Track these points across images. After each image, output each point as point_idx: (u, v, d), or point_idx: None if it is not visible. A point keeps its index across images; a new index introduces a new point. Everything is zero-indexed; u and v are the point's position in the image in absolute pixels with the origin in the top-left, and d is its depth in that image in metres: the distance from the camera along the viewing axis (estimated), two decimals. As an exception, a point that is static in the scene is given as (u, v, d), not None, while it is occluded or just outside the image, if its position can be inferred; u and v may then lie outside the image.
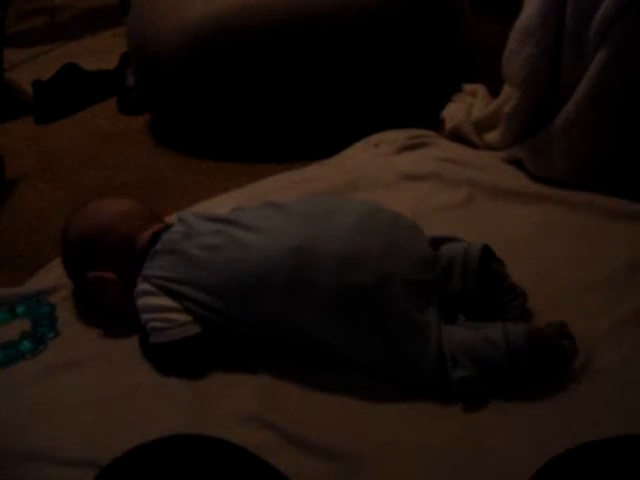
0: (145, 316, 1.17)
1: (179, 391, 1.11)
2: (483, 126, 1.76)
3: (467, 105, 1.86)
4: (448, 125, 1.84)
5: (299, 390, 1.09)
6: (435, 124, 1.88)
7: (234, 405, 1.07)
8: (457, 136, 1.80)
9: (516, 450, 0.95)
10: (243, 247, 1.14)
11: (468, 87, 1.93)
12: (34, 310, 1.33)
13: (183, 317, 1.15)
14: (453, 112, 1.86)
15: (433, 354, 1.04)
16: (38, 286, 1.41)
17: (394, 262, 1.09)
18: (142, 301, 1.18)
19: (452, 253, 1.17)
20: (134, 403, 1.10)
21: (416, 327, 1.06)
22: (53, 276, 1.41)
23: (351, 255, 1.09)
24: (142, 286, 1.19)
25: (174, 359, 1.16)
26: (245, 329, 1.14)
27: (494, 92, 1.81)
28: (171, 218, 1.41)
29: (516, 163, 1.63)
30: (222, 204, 1.48)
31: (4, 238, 1.73)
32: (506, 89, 1.68)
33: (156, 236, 1.25)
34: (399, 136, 1.81)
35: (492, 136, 1.73)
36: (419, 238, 1.18)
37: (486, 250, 1.17)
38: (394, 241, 1.13)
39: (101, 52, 3.17)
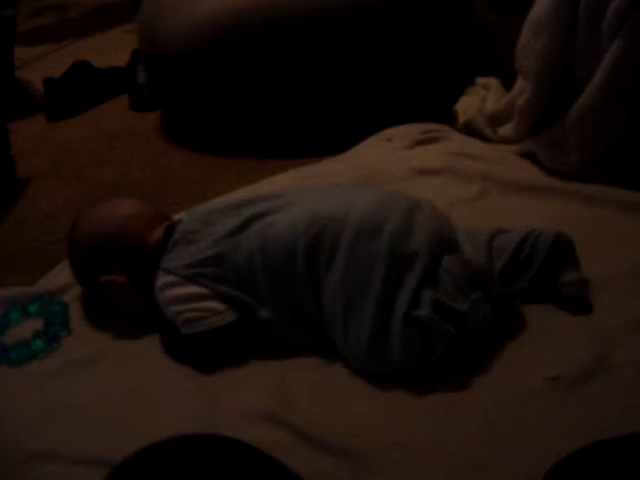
0: (175, 308, 1.16)
1: (192, 389, 1.11)
2: (496, 120, 1.75)
3: (480, 99, 1.84)
4: (461, 119, 1.83)
5: (313, 389, 1.08)
6: (448, 118, 1.87)
7: (247, 403, 1.06)
8: (470, 130, 1.79)
9: (527, 449, 0.94)
10: (266, 222, 1.16)
11: (481, 80, 1.92)
12: (47, 309, 1.33)
13: (218, 304, 1.15)
14: (466, 106, 1.85)
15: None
16: (50, 285, 1.41)
17: (409, 237, 1.11)
18: (167, 293, 1.17)
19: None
20: (146, 401, 1.10)
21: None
22: (65, 275, 1.41)
23: (368, 225, 1.11)
24: (164, 279, 1.19)
25: (212, 348, 1.15)
26: (267, 312, 1.15)
27: (507, 85, 1.80)
28: (180, 216, 1.41)
29: (530, 157, 1.62)
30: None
31: (16, 237, 1.73)
32: (519, 82, 1.66)
33: (169, 231, 1.24)
34: (412, 131, 1.80)
35: (505, 130, 1.72)
36: (440, 221, 1.19)
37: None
38: (412, 219, 1.14)
39: (112, 49, 3.17)
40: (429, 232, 1.13)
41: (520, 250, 1.17)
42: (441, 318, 1.04)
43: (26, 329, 1.29)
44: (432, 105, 1.90)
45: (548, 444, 0.93)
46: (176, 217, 1.36)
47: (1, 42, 2.57)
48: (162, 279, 1.19)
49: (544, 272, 1.16)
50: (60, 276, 1.43)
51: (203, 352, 1.16)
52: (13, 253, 1.66)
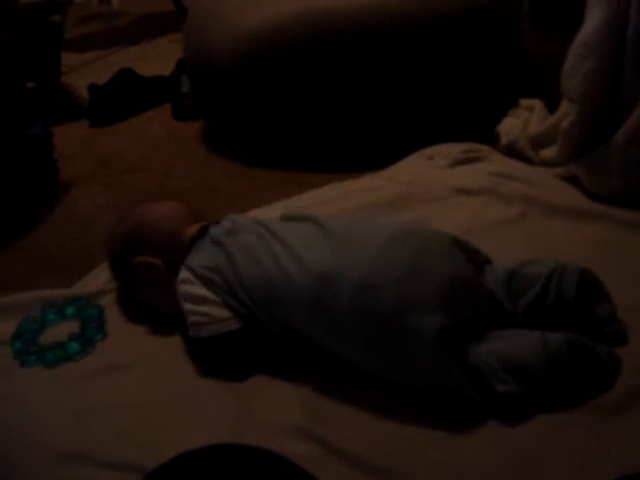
0: (187, 306, 1.18)
1: (224, 398, 1.11)
2: (539, 142, 1.74)
3: (523, 120, 1.83)
4: (503, 140, 1.82)
5: (345, 403, 1.07)
6: (490, 138, 1.86)
7: (279, 415, 1.06)
8: (512, 151, 1.78)
9: (565, 475, 0.93)
10: (277, 266, 1.14)
11: (525, 102, 1.90)
12: (83, 312, 1.34)
13: (222, 312, 1.16)
14: (509, 127, 1.84)
15: (455, 373, 1.01)
16: (87, 288, 1.42)
17: (416, 286, 1.07)
18: (184, 288, 1.20)
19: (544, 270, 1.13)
20: (179, 408, 1.10)
21: (433, 349, 1.03)
22: (102, 279, 1.42)
23: (370, 282, 1.07)
24: (184, 274, 1.21)
25: (215, 354, 1.17)
26: (280, 332, 1.15)
27: (550, 108, 1.78)
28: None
29: (572, 180, 1.60)
30: (272, 213, 1.47)
31: (56, 240, 1.74)
32: (564, 105, 1.65)
33: (204, 230, 1.27)
34: (453, 150, 1.80)
35: (548, 152, 1.70)
36: (452, 260, 1.13)
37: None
38: (419, 265, 1.09)
39: (157, 58, 3.21)
40: (441, 283, 1.07)
41: (546, 289, 1.11)
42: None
43: (62, 331, 1.30)
44: (474, 125, 1.90)
45: (585, 471, 0.92)
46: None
47: (48, 48, 2.61)
48: (182, 274, 1.21)
49: (574, 310, 1.12)
50: (97, 280, 1.44)
51: (208, 356, 1.18)
52: (52, 255, 1.67)
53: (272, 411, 1.07)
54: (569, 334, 1.04)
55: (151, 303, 1.31)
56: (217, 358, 1.18)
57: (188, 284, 1.19)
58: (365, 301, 1.06)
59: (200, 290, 1.18)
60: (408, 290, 1.06)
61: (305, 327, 1.12)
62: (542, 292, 1.11)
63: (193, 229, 1.28)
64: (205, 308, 1.16)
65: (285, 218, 1.30)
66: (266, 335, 1.17)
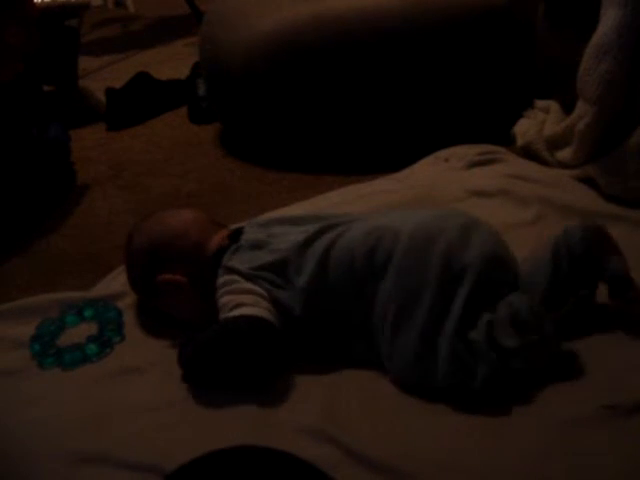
0: (227, 298, 1.15)
1: (242, 400, 1.10)
2: (555, 143, 1.73)
3: (539, 122, 1.83)
4: (519, 141, 1.82)
5: (363, 406, 1.07)
6: (506, 140, 1.86)
7: (298, 417, 1.06)
8: (528, 153, 1.78)
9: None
10: (331, 237, 1.17)
11: (540, 103, 1.90)
12: (101, 314, 1.34)
13: (268, 305, 1.14)
14: (525, 128, 1.84)
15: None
16: (106, 291, 1.42)
17: (463, 252, 1.10)
18: (227, 288, 1.17)
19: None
20: (197, 411, 1.10)
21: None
22: (121, 281, 1.43)
23: (422, 234, 1.12)
24: (227, 277, 1.18)
25: (239, 340, 1.12)
26: (318, 323, 1.15)
27: (567, 109, 1.78)
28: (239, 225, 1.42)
29: (588, 181, 1.60)
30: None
31: (74, 242, 1.76)
32: (580, 106, 1.64)
33: (234, 236, 1.25)
34: (469, 151, 1.80)
35: (564, 154, 1.70)
36: (497, 241, 1.17)
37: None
38: (468, 235, 1.13)
39: (173, 61, 3.23)
40: (484, 250, 1.11)
41: (558, 267, 1.13)
42: (490, 347, 1.03)
43: (80, 333, 1.31)
44: (490, 127, 1.90)
45: (597, 473, 0.91)
46: (233, 227, 1.37)
47: (66, 52, 2.62)
48: (225, 277, 1.18)
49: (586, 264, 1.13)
50: (115, 282, 1.45)
51: (231, 345, 1.12)
52: (70, 258, 1.68)
53: (291, 413, 1.07)
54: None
55: (169, 312, 1.29)
56: (242, 350, 1.12)
57: (234, 284, 1.16)
58: (419, 252, 1.10)
59: (247, 285, 1.15)
60: (456, 252, 1.10)
61: (358, 276, 1.13)
62: (554, 263, 1.13)
63: (219, 238, 1.25)
64: (252, 296, 1.14)
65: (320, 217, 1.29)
66: (298, 336, 1.16)
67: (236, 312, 1.12)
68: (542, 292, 1.12)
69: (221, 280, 1.18)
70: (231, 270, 1.18)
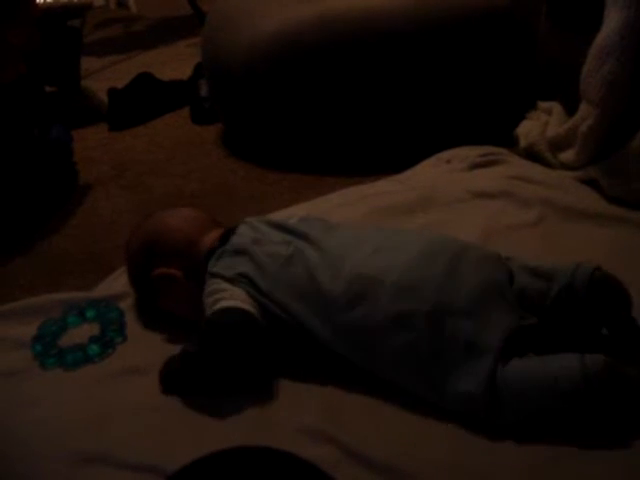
0: (209, 299, 1.16)
1: (243, 401, 1.11)
2: (557, 145, 1.73)
3: (542, 123, 1.83)
4: (522, 143, 1.82)
5: (364, 406, 1.08)
6: (509, 142, 1.86)
7: (297, 417, 1.06)
8: (531, 154, 1.78)
9: None
10: (308, 270, 1.14)
11: (543, 105, 1.90)
12: (103, 315, 1.34)
13: (247, 299, 1.14)
14: (527, 130, 1.84)
15: (481, 388, 1.00)
16: (108, 291, 1.43)
17: (453, 292, 1.06)
18: (209, 290, 1.17)
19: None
20: (197, 411, 1.10)
21: (466, 358, 1.03)
22: (123, 282, 1.43)
23: (409, 284, 1.08)
24: (211, 281, 1.19)
25: (225, 333, 1.12)
26: (306, 335, 1.14)
27: (569, 110, 1.78)
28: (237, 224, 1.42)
29: (591, 183, 1.60)
30: (290, 216, 1.48)
31: (76, 242, 1.76)
32: (583, 108, 1.64)
33: (224, 238, 1.25)
34: (471, 153, 1.80)
35: (567, 155, 1.70)
36: (490, 269, 1.12)
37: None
38: (457, 271, 1.09)
39: (175, 62, 3.23)
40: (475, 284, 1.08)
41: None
42: None
43: (82, 333, 1.31)
44: (493, 128, 1.89)
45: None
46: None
47: (68, 52, 2.63)
48: (209, 281, 1.19)
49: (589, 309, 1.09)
50: (117, 283, 1.45)
51: (222, 343, 1.12)
52: (72, 258, 1.68)
53: (291, 413, 1.07)
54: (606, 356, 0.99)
55: (169, 310, 1.30)
56: (228, 347, 1.12)
57: (214, 285, 1.18)
58: (405, 302, 1.06)
59: (226, 285, 1.16)
60: (447, 294, 1.06)
61: (340, 324, 1.10)
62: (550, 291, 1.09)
63: (212, 237, 1.27)
64: (234, 292, 1.15)
65: (306, 219, 1.29)
66: (285, 336, 1.16)
67: (216, 307, 1.13)
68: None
69: (206, 286, 1.19)
70: (214, 275, 1.19)
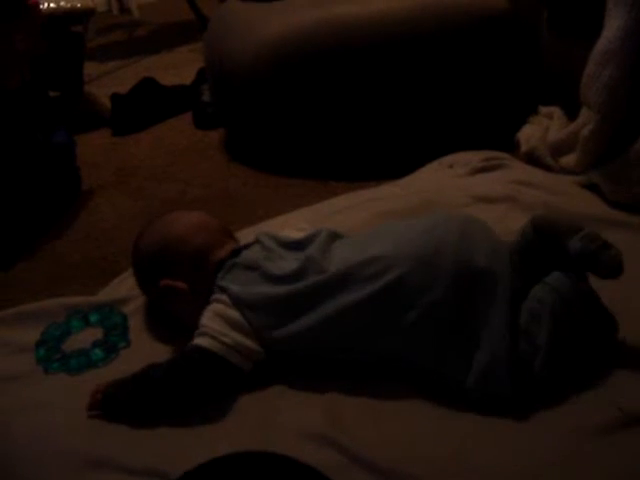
0: (217, 324, 1.15)
1: (247, 406, 1.11)
2: (559, 149, 1.74)
3: (543, 128, 1.83)
4: (523, 147, 1.82)
5: (367, 410, 1.08)
6: (510, 146, 1.86)
7: (301, 422, 1.06)
8: (532, 159, 1.78)
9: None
10: (316, 292, 1.14)
11: (544, 109, 1.91)
12: (107, 319, 1.35)
13: (253, 344, 1.14)
14: (529, 134, 1.84)
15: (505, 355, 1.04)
16: (111, 296, 1.43)
17: (471, 251, 1.11)
18: (217, 307, 1.17)
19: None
20: (201, 417, 1.10)
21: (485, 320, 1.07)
22: (126, 287, 1.43)
23: (427, 253, 1.10)
24: (219, 296, 1.18)
25: (206, 372, 1.13)
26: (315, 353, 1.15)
27: (570, 115, 1.78)
28: (242, 233, 1.42)
29: (592, 188, 1.60)
30: (293, 222, 1.48)
31: (79, 247, 1.76)
32: (584, 112, 1.65)
33: (235, 252, 1.24)
34: (473, 158, 1.80)
35: (568, 160, 1.70)
36: (490, 233, 1.20)
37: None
38: (469, 233, 1.14)
39: (178, 67, 3.24)
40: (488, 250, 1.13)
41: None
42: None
43: (86, 338, 1.31)
44: (494, 133, 1.90)
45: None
46: (238, 234, 1.37)
47: (71, 57, 2.63)
48: (217, 295, 1.19)
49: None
50: (121, 288, 1.45)
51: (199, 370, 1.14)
52: (75, 263, 1.69)
53: (294, 418, 1.08)
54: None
55: (174, 314, 1.29)
56: (193, 383, 1.13)
57: (221, 304, 1.17)
58: (429, 270, 1.09)
59: (234, 314, 1.16)
60: (466, 253, 1.10)
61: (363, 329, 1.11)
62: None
63: (224, 251, 1.25)
64: (237, 336, 1.14)
65: (314, 235, 1.27)
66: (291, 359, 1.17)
67: (197, 340, 1.14)
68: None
69: (215, 296, 1.19)
70: (223, 290, 1.19)
